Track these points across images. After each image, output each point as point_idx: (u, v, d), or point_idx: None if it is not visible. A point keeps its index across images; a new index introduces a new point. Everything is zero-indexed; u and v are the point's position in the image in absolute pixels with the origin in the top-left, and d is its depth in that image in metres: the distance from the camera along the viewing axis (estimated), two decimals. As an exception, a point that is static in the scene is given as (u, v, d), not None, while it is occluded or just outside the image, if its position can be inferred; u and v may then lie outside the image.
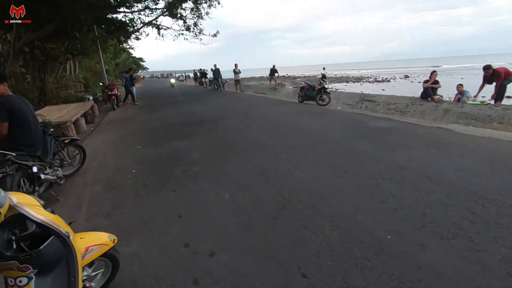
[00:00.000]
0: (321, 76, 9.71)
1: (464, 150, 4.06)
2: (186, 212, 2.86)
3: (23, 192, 2.90)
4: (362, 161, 3.83)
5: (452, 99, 8.56)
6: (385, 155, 4.01)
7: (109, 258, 1.71)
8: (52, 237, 1.21)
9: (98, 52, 17.32)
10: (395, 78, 30.28)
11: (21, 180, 2.95)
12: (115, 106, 11.80)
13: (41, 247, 1.15)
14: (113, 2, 13.63)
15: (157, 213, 2.89)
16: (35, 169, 3.03)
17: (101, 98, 13.89)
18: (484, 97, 8.43)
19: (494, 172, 3.22)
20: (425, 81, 8.52)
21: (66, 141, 4.02)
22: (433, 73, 8.30)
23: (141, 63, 66.05)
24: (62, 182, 3.53)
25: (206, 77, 23.50)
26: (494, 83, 7.03)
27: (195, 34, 16.01)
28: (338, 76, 37.73)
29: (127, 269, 2.07)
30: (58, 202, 3.36)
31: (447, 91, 10.04)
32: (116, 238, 1.63)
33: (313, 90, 9.73)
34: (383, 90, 18.33)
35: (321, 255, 2.07)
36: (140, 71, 68.22)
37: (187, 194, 3.29)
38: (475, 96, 7.85)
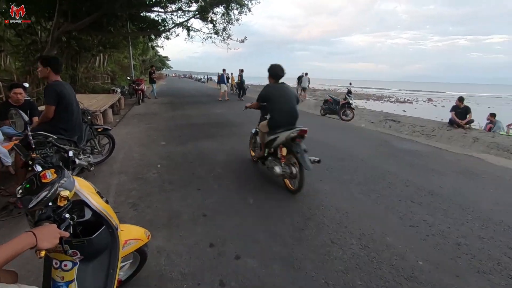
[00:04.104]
0: (347, 91, 9.64)
1: (499, 182, 3.89)
2: (211, 212, 2.87)
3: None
4: (390, 182, 3.74)
5: (483, 128, 8.28)
6: (414, 178, 3.90)
7: (139, 252, 1.73)
8: (104, 227, 1.22)
9: (128, 47, 17.95)
10: (418, 101, 29.75)
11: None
12: (140, 100, 12.12)
13: (93, 236, 1.16)
14: (148, 1, 14.14)
15: (183, 210, 2.91)
16: (71, 153, 3.11)
17: (127, 92, 14.31)
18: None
19: (533, 209, 3.07)
20: (453, 107, 8.30)
21: (99, 130, 4.16)
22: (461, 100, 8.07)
23: (166, 61, 67.88)
24: (92, 168, 3.63)
25: (228, 82, 23.65)
26: None
27: (223, 38, 16.31)
28: (358, 93, 37.27)
29: (154, 262, 2.09)
30: (87, 188, 3.45)
31: (476, 120, 9.74)
32: (150, 234, 1.66)
33: (337, 105, 9.66)
34: (404, 111, 17.91)
35: (350, 272, 2.02)
36: (164, 69, 70.07)
37: (212, 194, 3.30)
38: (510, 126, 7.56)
